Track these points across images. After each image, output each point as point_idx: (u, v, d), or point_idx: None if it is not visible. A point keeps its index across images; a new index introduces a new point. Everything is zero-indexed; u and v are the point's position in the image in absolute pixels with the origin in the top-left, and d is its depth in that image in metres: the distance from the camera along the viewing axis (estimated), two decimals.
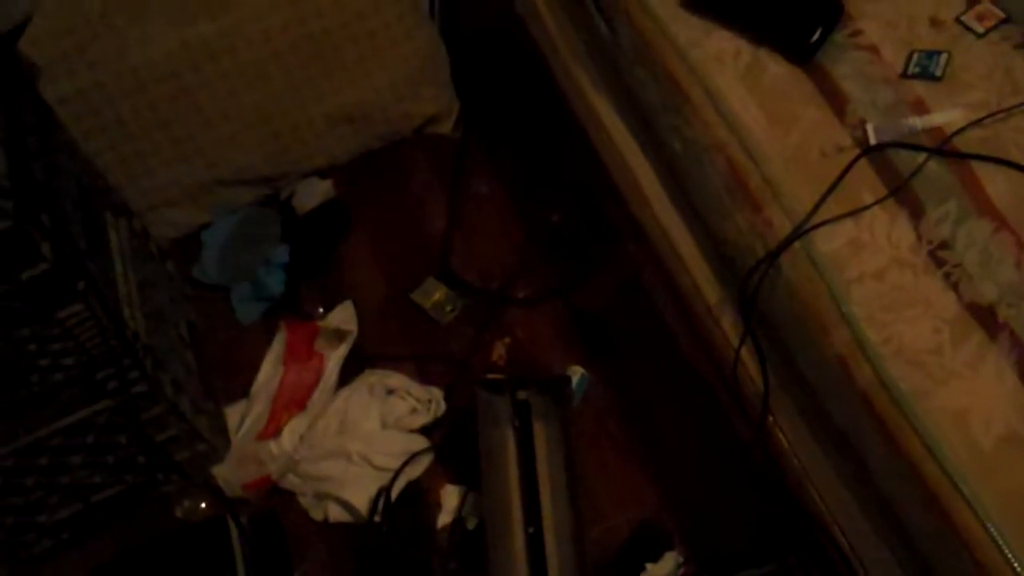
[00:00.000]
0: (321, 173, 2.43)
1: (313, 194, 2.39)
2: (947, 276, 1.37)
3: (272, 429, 2.07)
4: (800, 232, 1.45)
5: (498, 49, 2.45)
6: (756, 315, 1.55)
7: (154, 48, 2.07)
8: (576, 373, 2.09)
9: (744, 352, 1.61)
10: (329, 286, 2.30)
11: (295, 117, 2.30)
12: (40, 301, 1.59)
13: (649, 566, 1.86)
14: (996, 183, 1.42)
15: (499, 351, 2.19)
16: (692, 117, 1.61)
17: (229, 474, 2.03)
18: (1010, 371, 1.29)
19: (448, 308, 2.24)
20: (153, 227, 2.25)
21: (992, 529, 1.21)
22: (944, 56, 1.53)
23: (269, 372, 2.16)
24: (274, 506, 2.04)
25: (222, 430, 2.09)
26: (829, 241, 1.44)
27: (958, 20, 1.58)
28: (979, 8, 1.57)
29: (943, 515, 1.25)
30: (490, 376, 2.05)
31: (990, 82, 1.50)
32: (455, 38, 2.45)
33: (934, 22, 1.58)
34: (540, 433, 1.97)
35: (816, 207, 1.45)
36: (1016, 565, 1.18)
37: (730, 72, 1.60)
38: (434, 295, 2.25)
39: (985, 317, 1.33)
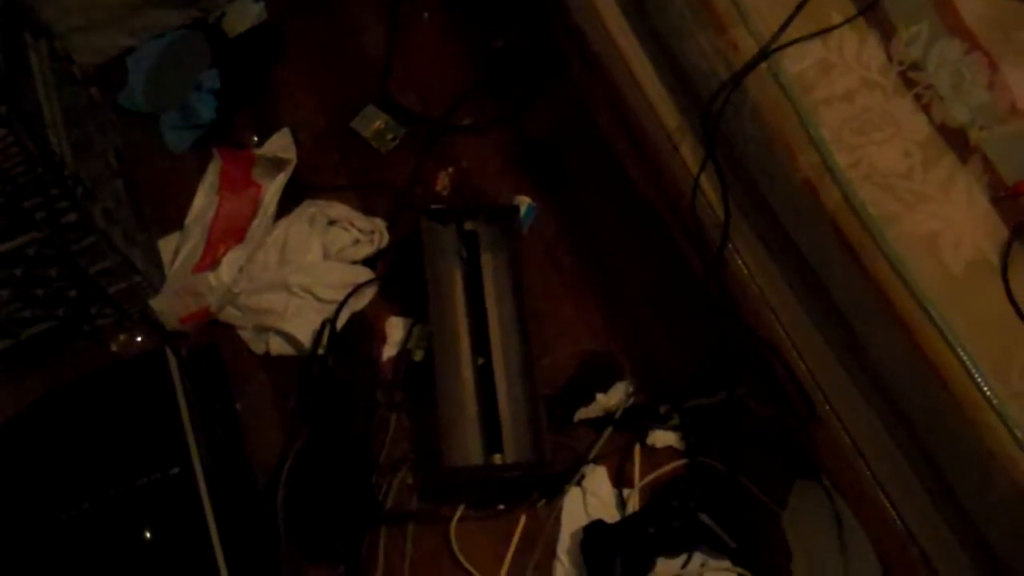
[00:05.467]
0: None
1: (244, 17, 2.27)
2: (918, 98, 1.35)
3: (209, 261, 2.00)
4: (767, 53, 1.40)
5: None
6: (718, 140, 1.51)
7: None
8: (523, 203, 2.04)
9: (703, 179, 1.57)
10: (264, 114, 2.21)
11: None
12: None
13: (599, 396, 1.85)
14: (969, 2, 1.38)
15: (443, 181, 2.12)
16: None
17: (166, 307, 1.97)
18: (981, 194, 1.28)
19: (389, 136, 2.16)
20: (76, 52, 2.13)
21: (961, 353, 1.20)
22: None
23: (204, 202, 2.08)
24: (213, 339, 1.99)
25: (156, 262, 2.02)
26: (797, 62, 1.39)
27: None
28: None
29: (911, 340, 1.24)
30: (435, 206, 2.00)
31: None
32: None
33: None
34: (488, 263, 1.95)
35: (783, 26, 1.40)
36: (985, 389, 1.18)
37: None
38: (374, 123, 2.17)
39: (956, 140, 1.31)
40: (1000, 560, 1.26)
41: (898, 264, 1.26)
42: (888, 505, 1.43)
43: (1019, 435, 1.16)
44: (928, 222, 1.27)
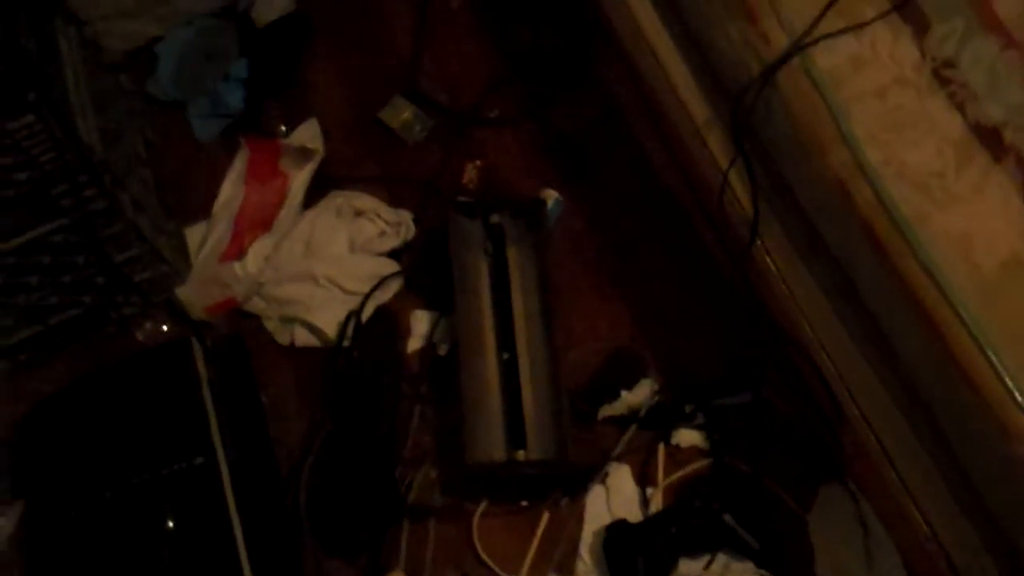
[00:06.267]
0: None
1: (273, 6, 2.26)
2: (952, 96, 1.32)
3: (235, 250, 2.00)
4: (799, 47, 1.37)
5: None
6: (748, 135, 1.49)
7: None
8: (550, 197, 2.03)
9: (732, 175, 1.55)
10: (292, 103, 2.20)
11: None
12: None
13: (624, 393, 1.84)
14: None
15: (470, 173, 2.11)
16: None
17: (192, 296, 1.97)
18: (1015, 195, 1.26)
19: (417, 128, 2.15)
20: (104, 38, 2.13)
21: (992, 356, 1.18)
22: None
23: (231, 192, 2.08)
24: (239, 329, 1.98)
25: (183, 251, 2.02)
26: (829, 57, 1.36)
27: None
28: None
29: (941, 342, 1.22)
30: (462, 199, 1.99)
31: None
32: None
33: None
34: (514, 258, 1.93)
35: (816, 20, 1.37)
36: (1017, 394, 1.15)
37: None
38: (402, 114, 2.16)
39: (990, 139, 1.29)
40: None
41: (930, 265, 1.23)
42: (915, 510, 1.41)
43: None
44: (961, 222, 1.25)
